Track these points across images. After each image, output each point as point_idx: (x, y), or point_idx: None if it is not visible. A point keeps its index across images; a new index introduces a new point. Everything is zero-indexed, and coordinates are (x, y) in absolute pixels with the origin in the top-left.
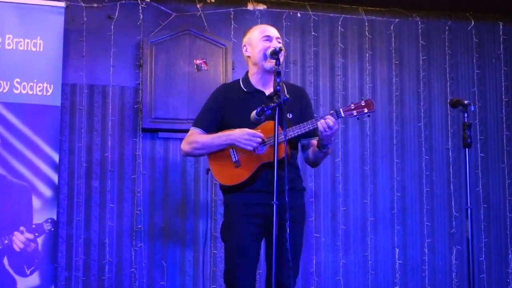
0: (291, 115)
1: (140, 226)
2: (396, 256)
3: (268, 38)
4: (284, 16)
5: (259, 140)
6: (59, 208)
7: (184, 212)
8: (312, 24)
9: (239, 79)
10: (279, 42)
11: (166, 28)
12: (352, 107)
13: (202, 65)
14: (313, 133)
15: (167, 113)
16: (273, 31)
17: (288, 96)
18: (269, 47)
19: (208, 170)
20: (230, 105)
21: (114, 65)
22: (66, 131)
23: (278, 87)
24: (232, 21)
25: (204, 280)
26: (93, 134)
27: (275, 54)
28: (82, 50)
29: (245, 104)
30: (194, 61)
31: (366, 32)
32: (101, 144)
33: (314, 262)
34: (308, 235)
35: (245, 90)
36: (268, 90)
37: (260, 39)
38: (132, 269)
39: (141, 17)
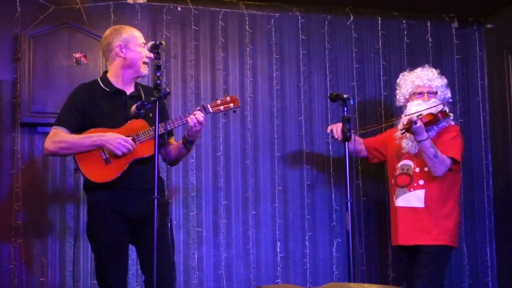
0: (151, 115)
1: (19, 222)
2: (278, 249)
3: (144, 45)
4: (164, 10)
5: (130, 147)
6: None
7: (64, 208)
8: (192, 18)
9: (97, 79)
10: None
11: (45, 21)
12: (219, 103)
13: (82, 59)
14: (171, 132)
15: (46, 107)
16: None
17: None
18: (146, 56)
19: (76, 170)
20: (92, 104)
21: None
22: None
23: (158, 81)
24: (112, 15)
25: (84, 276)
26: None
27: (155, 48)
28: None
29: (108, 103)
30: (74, 54)
31: (247, 26)
32: None
33: (196, 256)
34: (190, 229)
35: (107, 89)
36: (129, 90)
37: (139, 44)
38: (11, 266)
39: (18, 10)
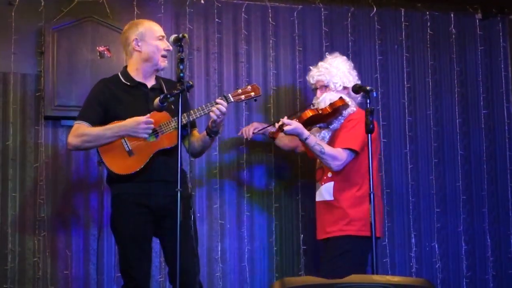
0: (173, 107)
1: (43, 215)
2: (301, 241)
3: (163, 38)
4: (187, 3)
5: (152, 126)
6: None
7: (87, 200)
8: (215, 11)
9: (117, 74)
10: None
11: (68, 15)
12: (240, 92)
13: (105, 52)
14: (193, 123)
15: (70, 100)
16: (162, 31)
17: (191, 83)
18: (164, 48)
19: (99, 162)
20: (114, 98)
21: (15, 52)
22: None
23: (181, 74)
24: (135, 8)
25: (108, 269)
26: None
27: (178, 40)
28: None
29: (129, 96)
30: (97, 48)
31: (270, 18)
32: (2, 132)
33: (219, 248)
34: (213, 222)
35: (127, 83)
36: (149, 83)
37: (157, 37)
38: (35, 259)
39: (42, 4)
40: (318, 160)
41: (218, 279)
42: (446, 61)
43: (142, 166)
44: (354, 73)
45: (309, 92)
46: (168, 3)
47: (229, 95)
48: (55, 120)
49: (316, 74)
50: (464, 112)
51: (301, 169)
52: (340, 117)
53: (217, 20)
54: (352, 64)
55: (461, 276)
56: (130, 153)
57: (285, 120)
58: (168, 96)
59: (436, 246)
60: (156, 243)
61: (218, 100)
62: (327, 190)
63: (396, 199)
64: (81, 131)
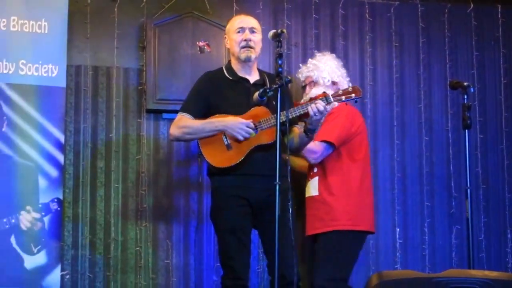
0: (274, 102)
1: (145, 206)
2: (397, 235)
3: (241, 30)
4: None
5: (251, 131)
6: (65, 188)
7: (187, 192)
8: (313, 7)
9: (222, 68)
10: (253, 32)
11: (169, 10)
12: (341, 93)
13: (205, 47)
14: (295, 120)
15: (171, 94)
16: (246, 22)
17: (289, 78)
18: (241, 40)
19: (199, 155)
20: (217, 92)
21: (118, 47)
22: (71, 112)
23: (280, 69)
24: (234, 4)
25: (207, 259)
26: (97, 115)
27: (277, 36)
28: (86, 32)
29: (232, 91)
30: (197, 43)
31: (367, 14)
32: (106, 125)
33: None
34: None
35: (230, 78)
36: (252, 77)
37: (235, 31)
38: (137, 248)
39: (144, 0)
40: None
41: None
42: None
43: (239, 160)
44: (343, 70)
45: (405, 88)
46: None
47: (330, 95)
48: (157, 113)
49: (305, 70)
50: None
51: (397, 162)
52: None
53: (314, 16)
54: (342, 62)
55: None
56: (228, 147)
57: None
58: (267, 90)
59: None
60: (255, 234)
61: (317, 101)
62: (313, 186)
63: (492, 195)
64: (183, 123)
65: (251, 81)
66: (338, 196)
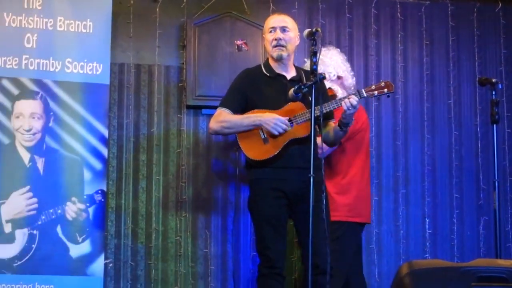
0: (310, 98)
1: (184, 197)
2: (427, 226)
3: (273, 30)
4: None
5: (285, 127)
6: (109, 180)
7: (225, 184)
8: (346, 6)
9: (260, 65)
10: (285, 30)
11: (208, 11)
12: (373, 88)
13: (243, 46)
14: (330, 114)
15: (210, 90)
16: (278, 21)
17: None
18: (273, 39)
19: (237, 148)
20: (254, 88)
21: (159, 46)
22: (115, 108)
23: (314, 66)
24: (271, 4)
25: (244, 248)
26: (140, 110)
27: (311, 35)
28: (129, 31)
29: (269, 87)
30: (235, 41)
31: (398, 14)
32: (148, 120)
33: None
34: None
35: (268, 74)
36: (289, 74)
37: (268, 31)
38: (177, 237)
39: (184, 0)
40: None
41: None
42: None
43: (275, 153)
44: (348, 64)
45: (435, 84)
46: None
47: (363, 90)
48: (196, 109)
49: (322, 65)
50: None
51: (427, 155)
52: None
53: (348, 15)
54: (346, 57)
55: None
56: (265, 140)
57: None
58: (302, 87)
59: None
60: (290, 224)
61: (351, 95)
62: None
63: None
64: (222, 118)
65: (288, 78)
66: (340, 189)
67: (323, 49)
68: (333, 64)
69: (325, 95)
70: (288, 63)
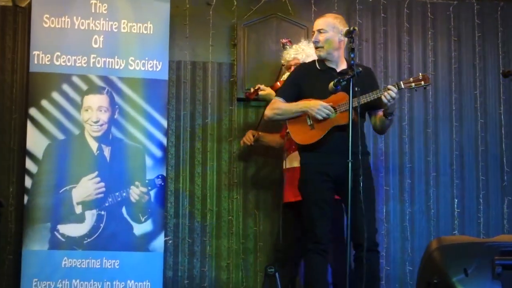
0: (359, 89)
1: (236, 181)
2: (455, 205)
3: (314, 33)
4: (357, 1)
5: (328, 112)
6: (168, 166)
7: (273, 168)
8: (381, 7)
9: (314, 60)
10: (322, 32)
11: (257, 13)
12: (411, 80)
13: (288, 44)
14: (379, 104)
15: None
16: (316, 25)
17: (360, 69)
18: (313, 41)
19: (286, 133)
20: (307, 80)
21: (212, 45)
22: (173, 101)
23: (352, 62)
24: (313, 6)
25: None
26: (195, 103)
27: (349, 33)
28: (185, 32)
29: (319, 79)
30: (281, 40)
31: (429, 13)
32: (203, 111)
33: (384, 211)
34: (379, 188)
35: (319, 68)
36: (339, 67)
37: (312, 34)
38: (230, 217)
39: (235, 3)
40: (286, 131)
41: (383, 236)
42: None
43: (319, 138)
44: None
45: (462, 76)
46: (341, 1)
47: (401, 82)
48: (246, 101)
49: (293, 52)
50: None
51: (455, 142)
52: None
53: (382, 15)
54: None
55: None
56: (311, 126)
57: (261, 86)
58: (341, 80)
59: None
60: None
61: (389, 86)
62: (296, 158)
63: None
64: (276, 105)
65: (338, 70)
66: None
67: (304, 41)
68: (314, 55)
69: (373, 86)
70: (334, 59)
